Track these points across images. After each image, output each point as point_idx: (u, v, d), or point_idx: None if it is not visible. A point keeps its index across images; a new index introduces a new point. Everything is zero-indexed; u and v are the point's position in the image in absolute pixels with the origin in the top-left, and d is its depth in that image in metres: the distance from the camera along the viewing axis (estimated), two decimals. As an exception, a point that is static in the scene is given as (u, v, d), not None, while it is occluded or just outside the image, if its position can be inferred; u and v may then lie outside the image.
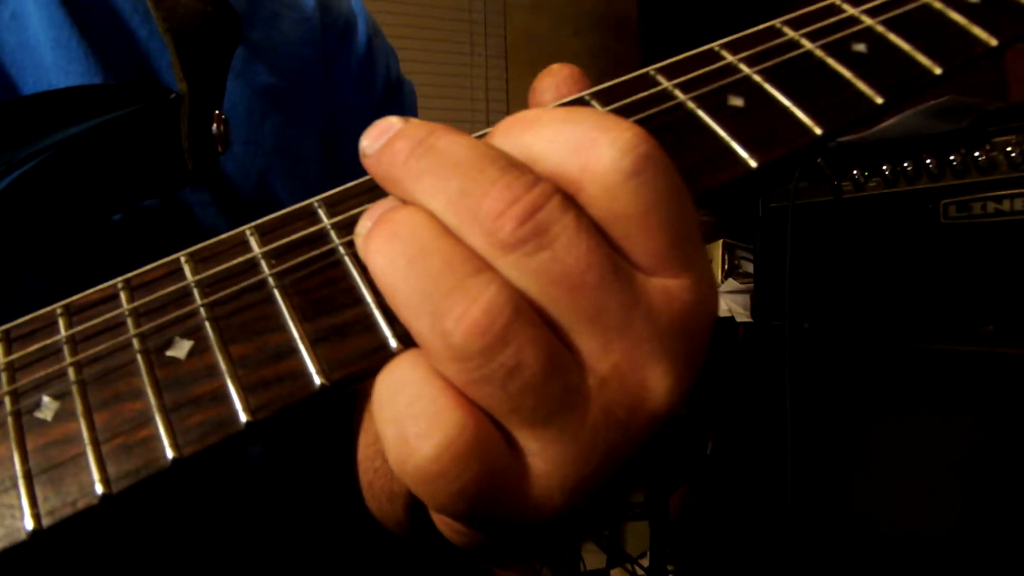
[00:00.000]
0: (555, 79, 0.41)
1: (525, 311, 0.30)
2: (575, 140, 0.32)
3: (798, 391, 1.58)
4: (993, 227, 1.47)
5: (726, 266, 2.07)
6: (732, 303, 1.95)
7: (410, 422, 0.30)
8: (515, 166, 0.31)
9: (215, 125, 0.54)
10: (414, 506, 0.53)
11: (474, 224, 0.31)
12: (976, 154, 1.43)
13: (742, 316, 1.90)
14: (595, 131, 0.32)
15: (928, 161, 1.48)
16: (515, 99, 3.46)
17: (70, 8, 0.62)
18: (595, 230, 0.31)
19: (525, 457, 0.31)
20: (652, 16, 3.51)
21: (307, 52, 0.80)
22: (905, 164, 1.52)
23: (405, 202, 0.34)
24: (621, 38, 3.58)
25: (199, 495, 0.61)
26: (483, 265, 0.30)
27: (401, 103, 0.89)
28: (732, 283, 2.01)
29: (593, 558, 2.78)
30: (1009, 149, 1.40)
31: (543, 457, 0.31)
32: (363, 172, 0.78)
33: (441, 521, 0.38)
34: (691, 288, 0.32)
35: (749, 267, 2.01)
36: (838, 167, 1.63)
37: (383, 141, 0.34)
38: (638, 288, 0.31)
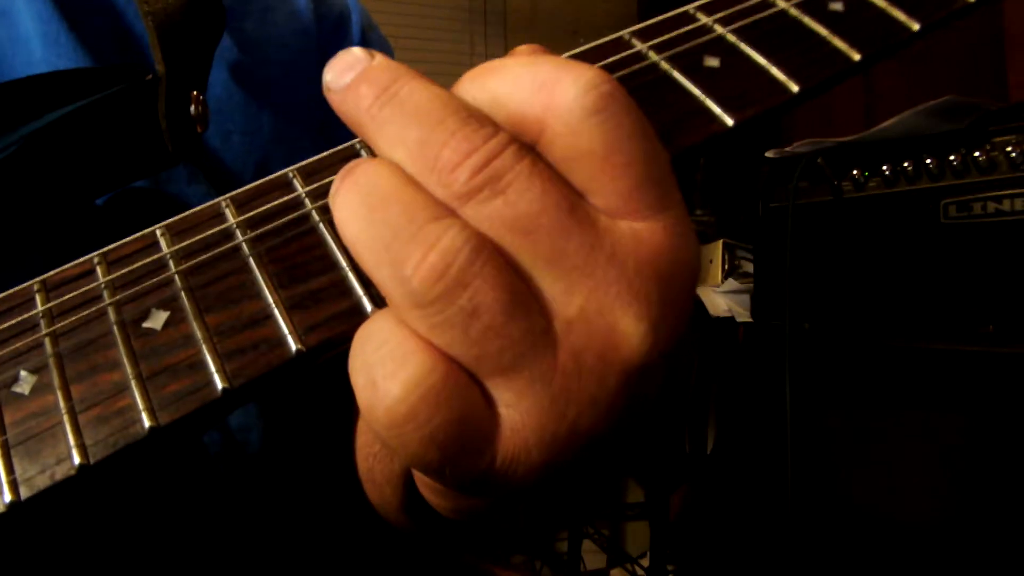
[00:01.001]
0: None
1: (483, 255, 0.30)
2: (538, 80, 0.32)
3: (798, 391, 1.57)
4: (993, 227, 1.47)
5: (726, 266, 2.07)
6: (732, 303, 1.95)
7: (378, 366, 0.30)
8: (474, 116, 0.32)
9: (193, 106, 0.54)
10: (409, 484, 0.52)
11: (432, 174, 0.31)
12: (976, 154, 1.43)
13: (742, 316, 1.90)
14: (558, 71, 0.32)
15: (928, 161, 1.48)
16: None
17: (58, 2, 0.62)
18: (551, 173, 0.31)
19: (497, 407, 0.31)
20: (652, 17, 3.51)
21: (300, 44, 0.80)
22: (905, 164, 1.52)
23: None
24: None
25: (199, 490, 0.61)
26: (442, 212, 0.31)
27: None
28: (732, 283, 2.01)
29: (593, 558, 2.78)
30: (1009, 149, 1.40)
31: (516, 408, 0.31)
32: None
33: (422, 482, 0.38)
34: (662, 231, 0.32)
35: (749, 267, 2.01)
36: (838, 167, 1.62)
37: (348, 79, 0.34)
38: (601, 230, 0.31)
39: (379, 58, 0.34)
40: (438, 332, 0.30)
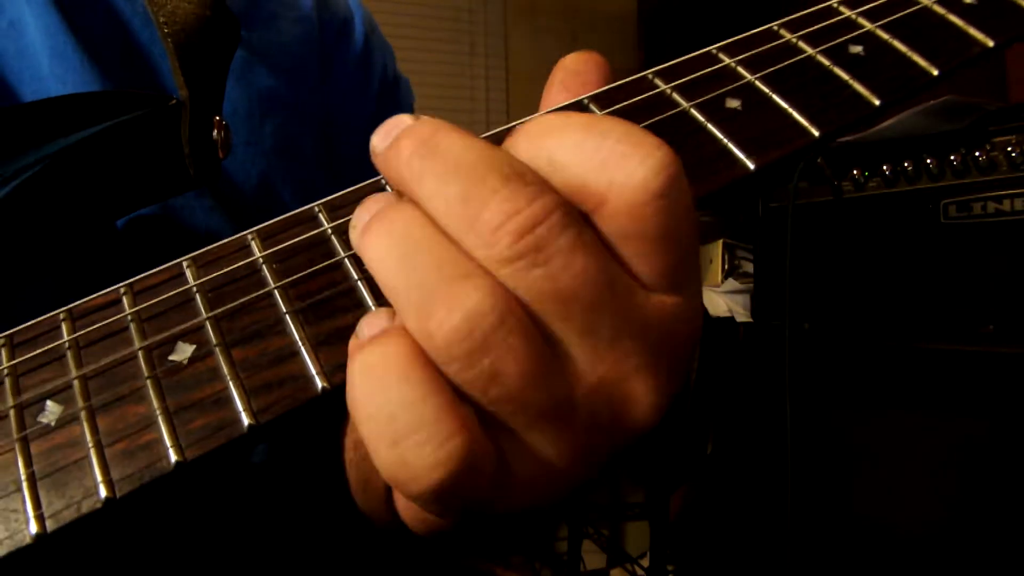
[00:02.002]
0: (563, 73, 0.42)
1: (510, 322, 0.30)
2: (603, 152, 0.31)
3: (798, 391, 1.58)
4: (993, 227, 1.47)
5: (726, 266, 2.07)
6: (732, 303, 1.95)
7: (407, 437, 0.30)
8: (518, 175, 0.31)
9: (216, 131, 0.54)
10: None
11: (471, 233, 0.31)
12: (976, 154, 1.43)
13: (742, 316, 1.90)
14: (624, 145, 0.31)
15: (928, 161, 1.48)
16: (515, 101, 3.46)
17: (67, 15, 0.62)
18: (596, 246, 0.31)
19: (507, 455, 0.32)
20: (652, 18, 3.51)
21: (305, 51, 0.79)
22: (905, 164, 1.52)
23: (403, 198, 0.34)
24: (621, 40, 3.58)
25: (201, 499, 0.61)
26: (473, 269, 0.30)
27: (398, 100, 0.89)
28: (732, 283, 2.01)
29: (593, 558, 2.78)
30: (1009, 149, 1.40)
31: (524, 459, 0.32)
32: (361, 168, 0.78)
33: (406, 507, 0.38)
34: (683, 306, 0.33)
35: (749, 267, 2.01)
36: (838, 167, 1.63)
37: (391, 139, 0.34)
38: (635, 304, 0.32)
39: (424, 118, 0.34)
40: (459, 385, 0.30)
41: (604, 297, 0.31)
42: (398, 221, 0.32)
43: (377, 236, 0.32)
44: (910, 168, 1.52)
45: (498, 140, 0.35)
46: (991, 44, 0.44)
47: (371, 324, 0.32)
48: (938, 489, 1.53)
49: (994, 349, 1.47)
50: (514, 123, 0.40)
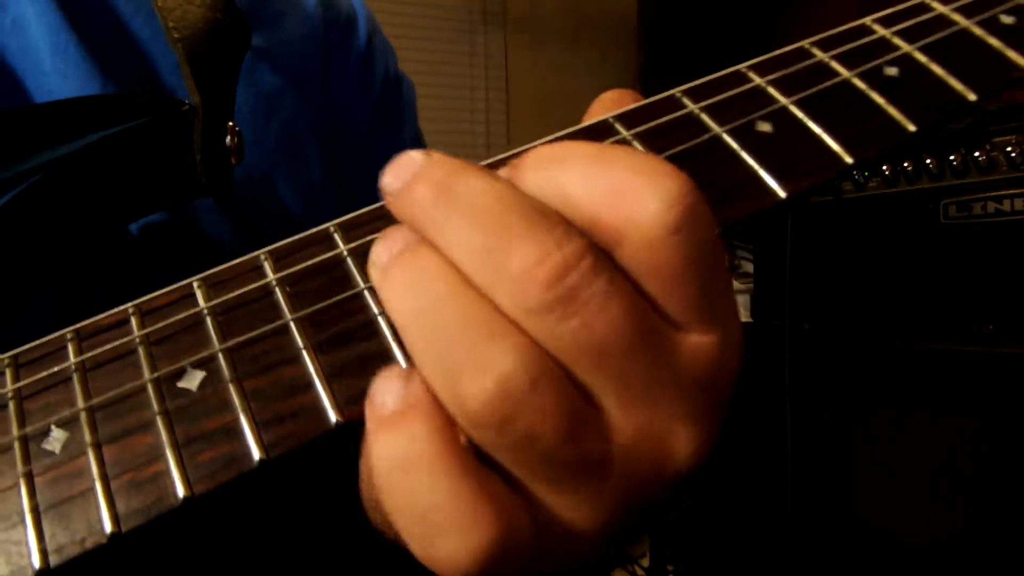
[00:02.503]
0: (600, 105, 0.40)
1: (543, 382, 0.28)
2: (615, 185, 0.29)
3: (798, 391, 1.57)
4: (993, 227, 1.47)
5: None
6: (732, 302, 1.94)
7: (436, 525, 0.29)
8: (543, 217, 0.29)
9: (228, 137, 0.53)
10: None
11: (498, 284, 0.29)
12: (976, 154, 1.42)
13: (742, 316, 1.89)
14: (636, 176, 0.29)
15: (928, 161, 1.47)
16: (515, 102, 3.44)
17: (68, 12, 0.61)
18: (629, 290, 0.29)
19: (541, 518, 0.30)
20: (653, 18, 3.50)
21: (309, 50, 0.78)
22: (905, 164, 1.51)
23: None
24: (621, 40, 3.56)
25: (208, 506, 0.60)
26: (502, 326, 0.29)
27: (400, 101, 0.88)
28: (732, 283, 2.00)
29: (592, 555, 2.76)
30: (1009, 149, 1.39)
31: (560, 520, 0.30)
32: (362, 169, 0.76)
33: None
34: (720, 344, 0.31)
35: (749, 267, 2.00)
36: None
37: (403, 181, 0.31)
38: (669, 349, 0.30)
39: (435, 155, 0.32)
40: (489, 449, 0.29)
41: (639, 346, 0.29)
42: (418, 269, 0.30)
43: (398, 284, 0.30)
44: (910, 168, 1.51)
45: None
46: None
47: (392, 392, 0.30)
48: (938, 489, 1.52)
49: (994, 349, 1.46)
50: (514, 151, 0.38)
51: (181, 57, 0.52)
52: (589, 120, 0.41)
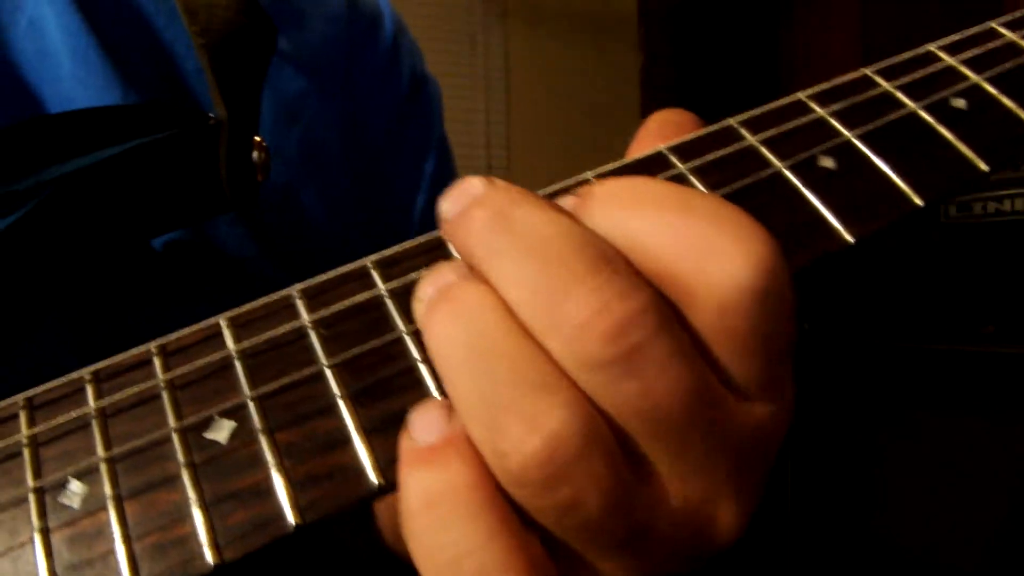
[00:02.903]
0: (658, 125, 0.37)
1: (596, 445, 0.26)
2: (694, 238, 0.27)
3: (797, 391, 1.56)
4: (993, 227, 1.46)
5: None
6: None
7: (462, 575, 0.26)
8: (607, 262, 0.27)
9: (256, 152, 0.50)
10: None
11: (552, 329, 0.26)
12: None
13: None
14: (719, 232, 0.27)
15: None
16: (515, 102, 3.42)
17: (88, 15, 0.58)
18: (694, 354, 0.27)
19: (570, 574, 0.28)
20: (653, 19, 3.48)
21: (333, 51, 0.75)
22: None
23: (475, 273, 0.29)
24: (621, 40, 3.54)
25: None
26: (555, 378, 0.26)
27: (427, 103, 0.84)
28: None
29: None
30: (1012, 150, 1.38)
31: None
32: (385, 175, 0.72)
33: None
34: (779, 414, 0.29)
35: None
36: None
37: (461, 206, 0.29)
38: (727, 417, 0.28)
39: (498, 182, 0.29)
40: (527, 508, 0.27)
41: (697, 415, 0.27)
42: (468, 305, 0.28)
43: (444, 321, 0.28)
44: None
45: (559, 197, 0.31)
46: None
47: (427, 426, 0.28)
48: (937, 489, 1.52)
49: (994, 349, 1.46)
50: (580, 178, 0.36)
51: (206, 66, 0.49)
52: (638, 145, 0.38)
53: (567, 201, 0.30)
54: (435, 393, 0.31)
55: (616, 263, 0.27)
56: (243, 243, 0.62)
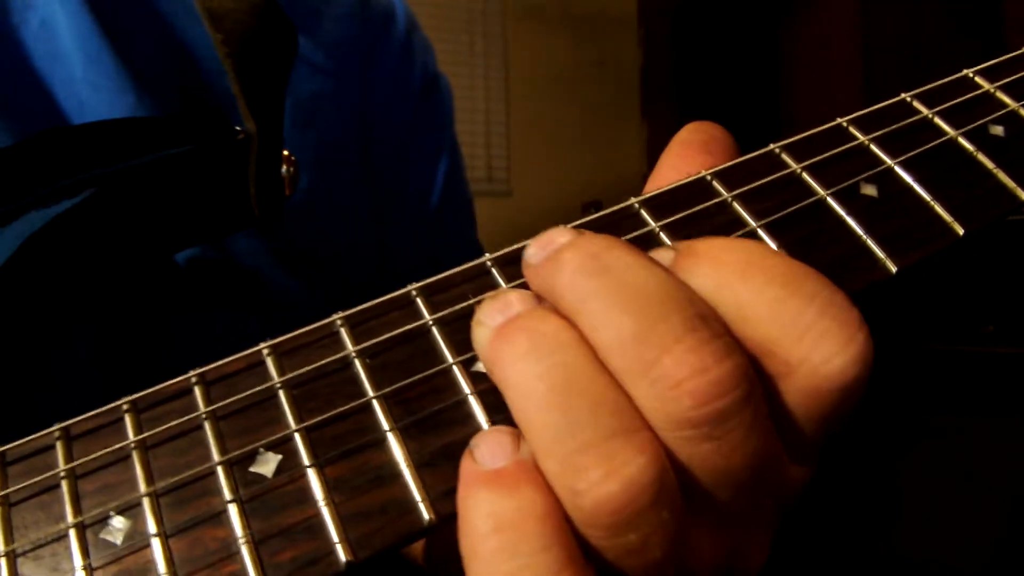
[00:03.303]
0: (691, 136, 0.38)
1: (668, 496, 0.26)
2: (805, 322, 0.27)
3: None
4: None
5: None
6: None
7: None
8: (706, 323, 0.27)
9: (284, 167, 0.49)
10: None
11: (643, 379, 0.26)
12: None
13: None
14: (828, 319, 0.27)
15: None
16: (515, 102, 3.42)
17: (101, 17, 0.57)
18: (771, 427, 0.28)
19: None
20: (653, 19, 3.48)
21: (347, 51, 0.74)
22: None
23: (545, 303, 0.29)
24: (621, 41, 3.54)
25: None
26: (637, 424, 0.26)
27: (440, 102, 0.83)
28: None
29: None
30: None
31: None
32: (400, 176, 0.71)
33: None
34: (808, 475, 0.30)
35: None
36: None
37: (549, 251, 0.29)
38: (780, 478, 0.29)
39: (587, 232, 0.29)
40: (589, 541, 0.27)
41: (760, 484, 0.28)
42: (549, 339, 0.27)
43: (520, 353, 0.28)
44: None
45: (645, 243, 0.31)
46: None
47: (493, 452, 0.28)
48: (936, 489, 1.52)
49: (994, 349, 1.46)
50: (623, 205, 0.35)
51: (233, 78, 0.48)
52: (671, 158, 0.38)
53: (664, 255, 0.30)
54: (485, 427, 0.30)
55: (713, 326, 0.27)
56: (258, 252, 0.61)
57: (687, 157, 0.37)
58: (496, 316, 0.29)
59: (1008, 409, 1.44)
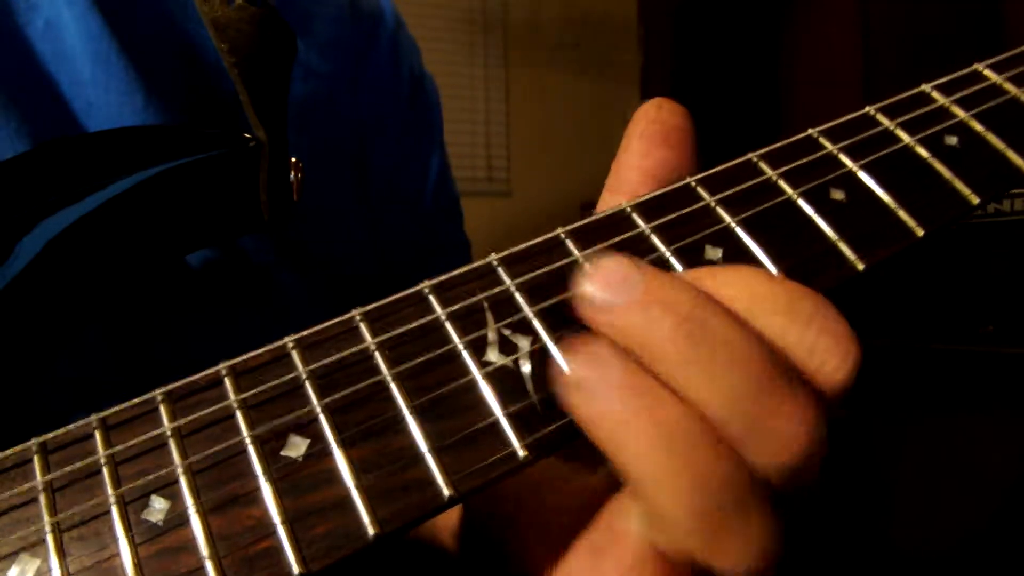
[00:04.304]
0: (649, 127, 0.41)
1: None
2: (822, 343, 0.32)
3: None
4: (993, 227, 1.47)
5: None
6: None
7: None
8: (789, 372, 0.30)
9: (293, 173, 0.52)
10: None
11: (750, 435, 0.29)
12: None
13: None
14: (838, 340, 0.32)
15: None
16: (515, 103, 3.44)
17: (110, 17, 0.58)
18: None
19: None
20: (653, 21, 3.49)
21: (339, 51, 0.76)
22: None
23: (610, 338, 0.32)
24: (622, 43, 3.56)
25: None
26: (760, 491, 0.29)
27: (427, 98, 0.86)
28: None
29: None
30: (1010, 149, 1.39)
31: None
32: (393, 178, 0.73)
33: None
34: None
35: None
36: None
37: (626, 296, 0.31)
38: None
39: (650, 270, 0.32)
40: None
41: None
42: (672, 422, 0.30)
43: (639, 425, 0.30)
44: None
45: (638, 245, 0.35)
46: None
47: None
48: (936, 489, 1.53)
49: (994, 349, 1.47)
50: (616, 208, 0.39)
51: (239, 85, 0.50)
52: (632, 151, 0.42)
53: (694, 276, 0.34)
54: (497, 410, 0.33)
55: (791, 374, 0.31)
56: (265, 251, 0.64)
57: (648, 155, 0.41)
58: (583, 372, 0.31)
59: (1008, 409, 1.45)
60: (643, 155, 0.41)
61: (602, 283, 0.32)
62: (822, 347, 0.31)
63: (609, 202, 0.41)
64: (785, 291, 0.33)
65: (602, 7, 3.54)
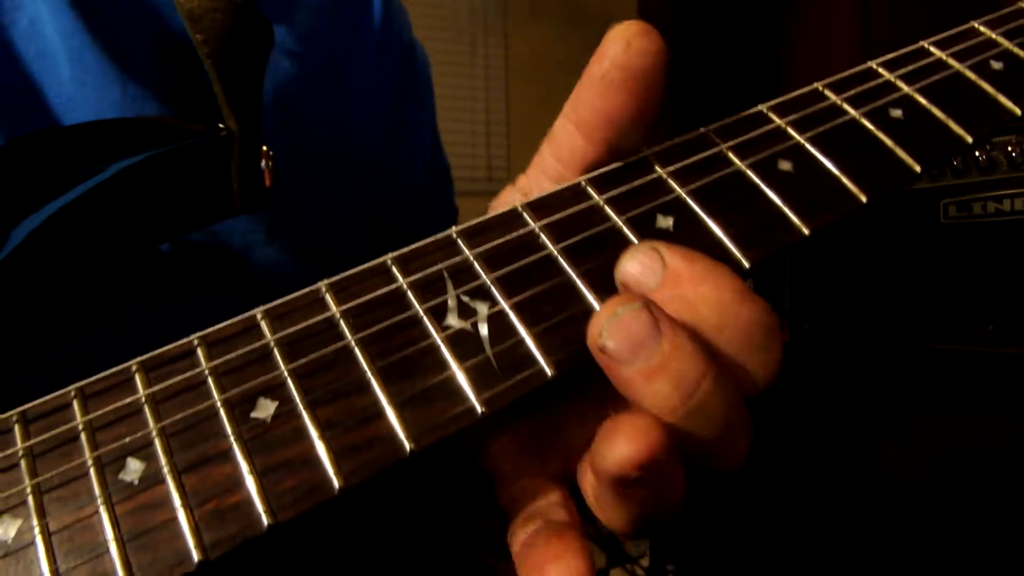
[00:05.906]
0: (604, 85, 0.44)
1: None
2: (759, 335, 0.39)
3: (797, 391, 1.59)
4: (993, 227, 1.48)
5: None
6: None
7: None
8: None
9: (264, 161, 0.54)
10: None
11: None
12: (976, 154, 1.44)
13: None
14: (771, 339, 0.39)
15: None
16: (514, 101, 3.46)
17: (84, 13, 0.60)
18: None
19: None
20: (653, 18, 3.52)
21: (322, 39, 0.77)
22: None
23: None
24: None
25: None
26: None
27: (418, 68, 0.88)
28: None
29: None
30: (1009, 149, 1.41)
31: None
32: (384, 160, 0.76)
33: None
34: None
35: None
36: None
37: (646, 360, 0.36)
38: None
39: (668, 325, 0.36)
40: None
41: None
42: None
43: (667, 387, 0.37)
44: (910, 167, 1.52)
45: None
46: (1019, 112, 0.47)
47: None
48: (937, 490, 1.54)
49: (994, 349, 1.48)
50: (572, 183, 0.43)
51: (213, 76, 0.52)
52: (596, 77, 0.45)
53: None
54: (456, 370, 0.36)
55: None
56: (250, 230, 0.66)
57: (606, 98, 0.44)
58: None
59: (1009, 409, 1.46)
60: (601, 96, 0.44)
61: (616, 338, 0.36)
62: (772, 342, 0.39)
63: (562, 129, 0.45)
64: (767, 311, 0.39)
65: (603, 6, 3.56)
